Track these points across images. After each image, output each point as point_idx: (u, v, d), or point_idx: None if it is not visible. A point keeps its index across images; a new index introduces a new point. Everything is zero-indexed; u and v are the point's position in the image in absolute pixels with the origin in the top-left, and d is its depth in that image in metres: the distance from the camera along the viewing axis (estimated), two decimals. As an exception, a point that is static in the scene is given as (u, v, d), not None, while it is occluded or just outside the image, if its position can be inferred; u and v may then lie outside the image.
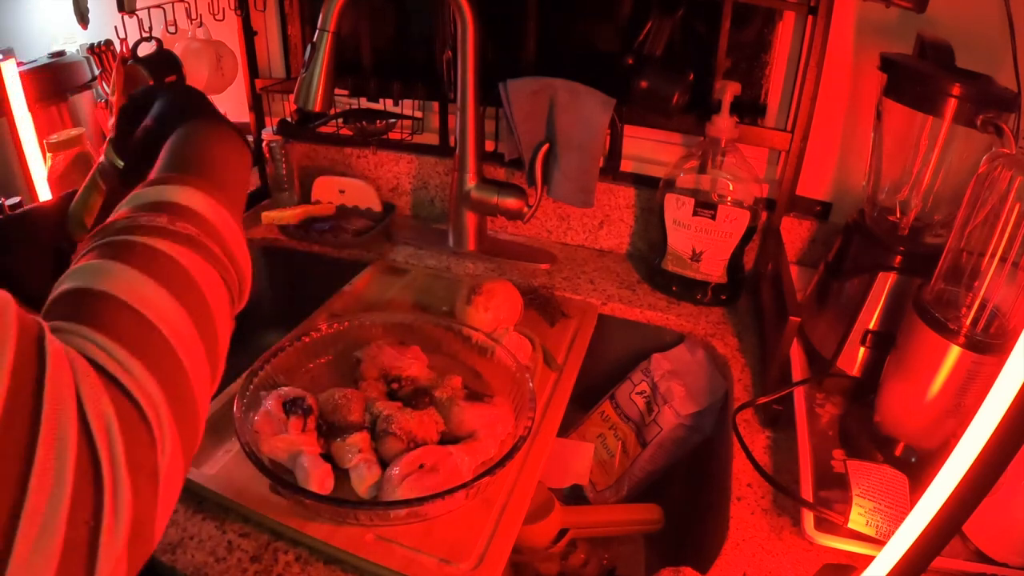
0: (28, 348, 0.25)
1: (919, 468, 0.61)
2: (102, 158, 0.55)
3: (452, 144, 1.03)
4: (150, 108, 0.51)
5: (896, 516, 0.54)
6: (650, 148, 1.05)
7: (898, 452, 0.63)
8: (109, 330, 0.30)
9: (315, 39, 0.77)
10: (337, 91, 1.13)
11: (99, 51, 1.11)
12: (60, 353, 0.27)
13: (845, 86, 0.89)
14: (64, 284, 0.32)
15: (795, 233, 0.97)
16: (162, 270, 0.34)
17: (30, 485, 0.23)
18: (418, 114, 1.13)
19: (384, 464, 0.59)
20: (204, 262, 0.36)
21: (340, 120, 1.11)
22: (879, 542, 0.52)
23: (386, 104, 1.13)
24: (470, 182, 1.00)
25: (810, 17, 0.82)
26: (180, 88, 0.54)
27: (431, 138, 1.12)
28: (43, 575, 0.23)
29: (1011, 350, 0.35)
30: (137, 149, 0.50)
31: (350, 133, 1.12)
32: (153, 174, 0.42)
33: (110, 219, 0.37)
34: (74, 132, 0.97)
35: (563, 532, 0.72)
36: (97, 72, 1.11)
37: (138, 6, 0.89)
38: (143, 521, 0.27)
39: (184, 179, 0.41)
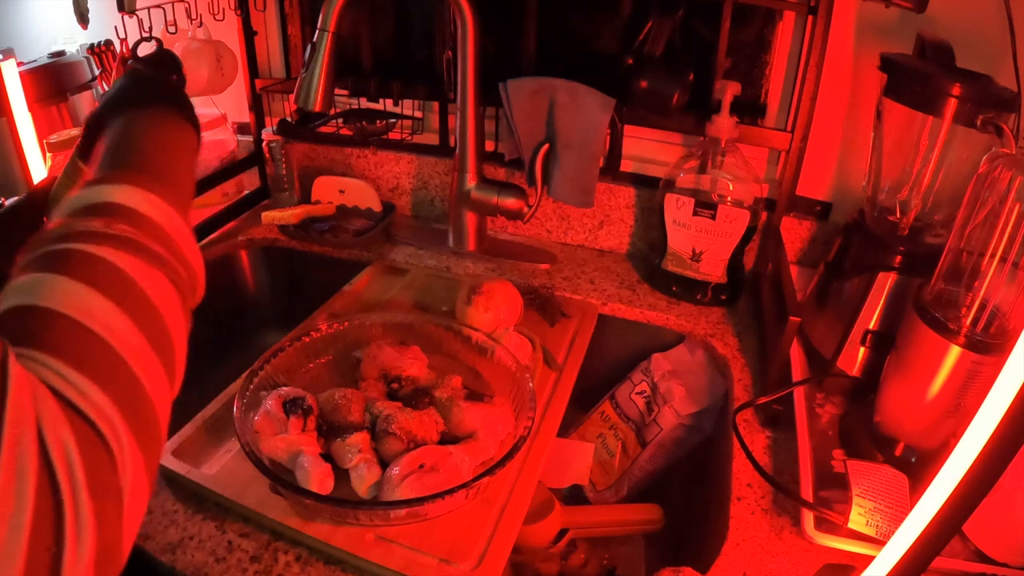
0: None
1: (919, 468, 0.61)
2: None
3: (452, 144, 1.03)
4: None
5: (896, 516, 0.54)
6: (650, 148, 1.05)
7: (898, 452, 0.63)
8: (61, 352, 0.29)
9: (315, 39, 0.77)
10: (337, 91, 1.13)
11: (99, 51, 1.11)
12: (23, 378, 0.26)
13: (845, 86, 0.89)
14: (6, 302, 0.31)
15: (795, 233, 0.97)
16: (105, 279, 0.33)
17: None
18: (418, 114, 1.13)
19: (384, 464, 0.59)
20: (147, 265, 0.35)
21: (340, 120, 1.11)
22: (879, 542, 0.52)
23: (386, 104, 1.13)
24: (470, 182, 1.00)
25: (810, 17, 0.82)
26: (134, 73, 0.52)
27: (431, 138, 1.12)
28: None
29: (1011, 350, 0.35)
30: (84, 138, 0.49)
31: (350, 133, 1.12)
32: (90, 173, 0.40)
33: (46, 227, 0.36)
34: (74, 132, 0.97)
35: (563, 532, 0.72)
36: (97, 72, 1.11)
37: (138, 6, 0.89)
38: (109, 542, 0.28)
39: (120, 176, 0.39)
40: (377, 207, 1.11)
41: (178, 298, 0.37)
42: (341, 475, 0.59)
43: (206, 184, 1.05)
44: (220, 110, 1.17)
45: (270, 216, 1.07)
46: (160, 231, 0.37)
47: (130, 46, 0.91)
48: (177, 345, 0.36)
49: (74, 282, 0.32)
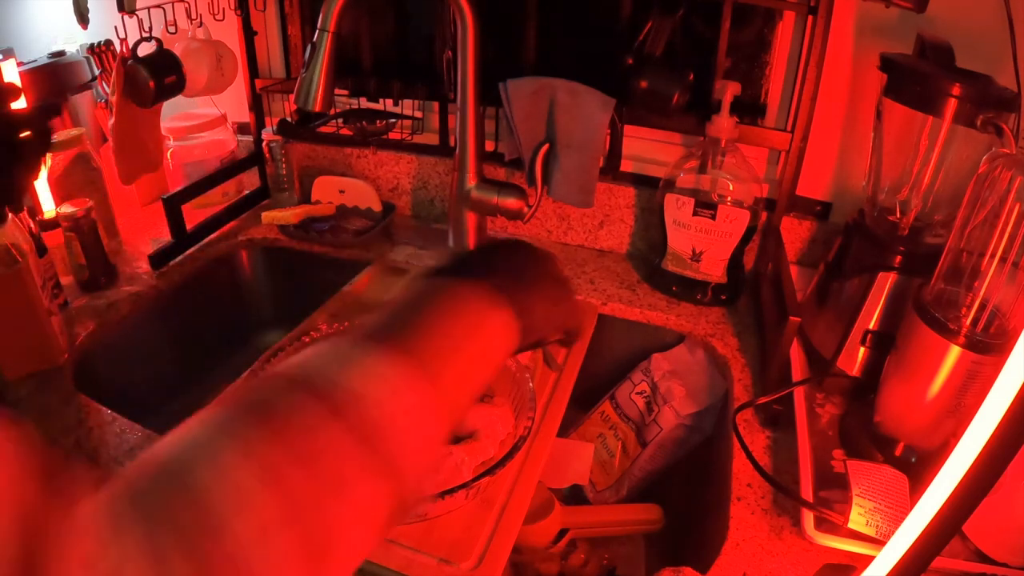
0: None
1: (919, 468, 0.61)
2: None
3: (452, 144, 1.03)
4: None
5: (896, 516, 0.54)
6: (650, 148, 1.05)
7: (898, 452, 0.63)
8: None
9: (315, 39, 0.77)
10: (337, 91, 1.13)
11: (99, 51, 1.11)
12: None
13: (845, 86, 0.89)
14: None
15: (795, 233, 0.97)
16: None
17: None
18: (418, 114, 1.13)
19: (384, 464, 0.59)
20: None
21: (340, 120, 1.11)
22: (879, 542, 0.52)
23: (386, 104, 1.13)
24: (470, 182, 1.00)
25: (810, 17, 0.82)
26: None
27: (431, 138, 1.12)
28: None
29: (1011, 350, 0.35)
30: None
31: (350, 133, 1.12)
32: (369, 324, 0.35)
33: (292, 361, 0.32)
34: (74, 132, 0.97)
35: (563, 532, 0.72)
36: (97, 72, 1.11)
37: (138, 6, 0.89)
38: None
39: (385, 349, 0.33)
40: (377, 207, 1.11)
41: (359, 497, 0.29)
42: (341, 475, 0.59)
43: (206, 184, 1.05)
44: (220, 110, 1.17)
45: (270, 216, 1.07)
46: (379, 430, 0.30)
47: (130, 46, 0.91)
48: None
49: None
